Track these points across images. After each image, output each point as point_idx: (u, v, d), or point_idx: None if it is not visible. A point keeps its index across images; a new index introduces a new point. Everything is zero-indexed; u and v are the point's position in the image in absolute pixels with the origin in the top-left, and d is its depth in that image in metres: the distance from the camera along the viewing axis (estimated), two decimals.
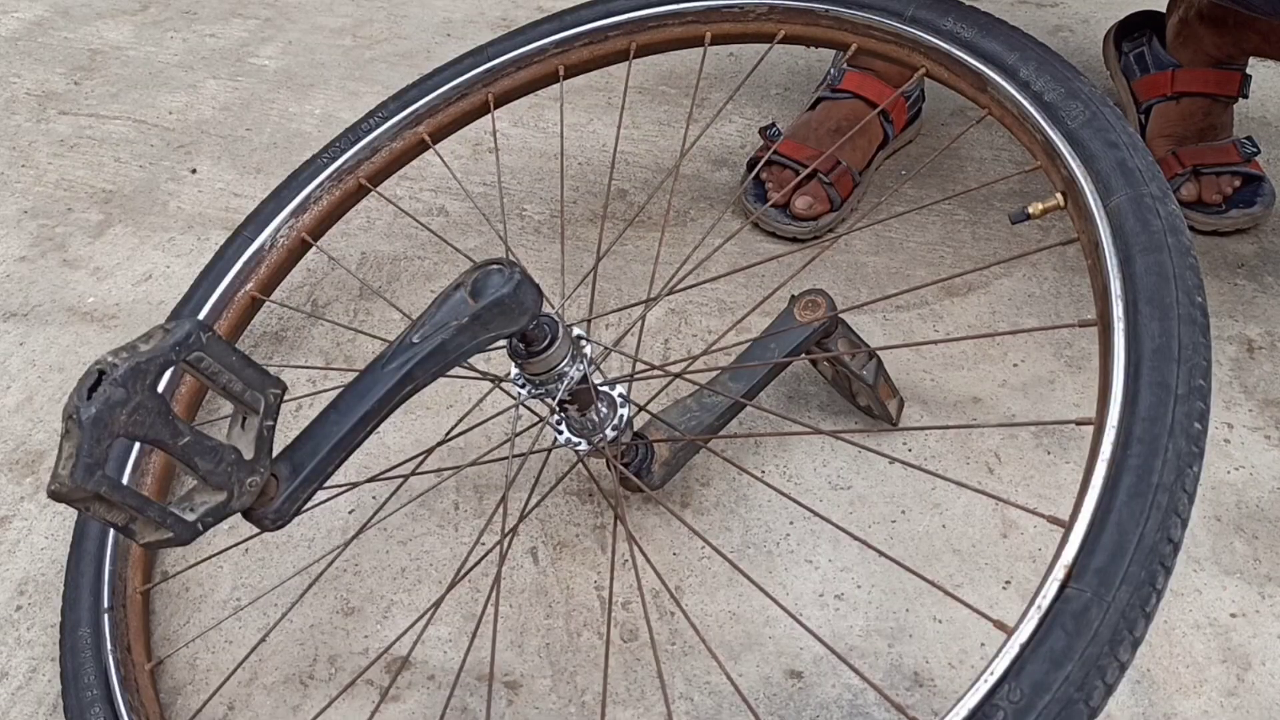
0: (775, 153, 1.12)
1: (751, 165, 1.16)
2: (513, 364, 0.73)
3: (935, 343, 0.89)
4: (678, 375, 0.80)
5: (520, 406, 0.79)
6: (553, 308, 0.77)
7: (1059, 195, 0.68)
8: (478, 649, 0.78)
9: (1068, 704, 0.50)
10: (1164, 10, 1.21)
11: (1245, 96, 1.13)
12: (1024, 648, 0.52)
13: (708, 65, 1.39)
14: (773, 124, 1.15)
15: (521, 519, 0.81)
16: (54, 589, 0.84)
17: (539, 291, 0.67)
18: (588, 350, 0.73)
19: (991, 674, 0.52)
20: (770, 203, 1.10)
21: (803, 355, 0.86)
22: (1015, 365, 0.99)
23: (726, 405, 0.83)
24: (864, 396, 0.89)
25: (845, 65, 1.17)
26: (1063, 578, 0.53)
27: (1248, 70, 1.13)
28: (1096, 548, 0.53)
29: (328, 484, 0.62)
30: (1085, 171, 0.67)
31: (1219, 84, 1.12)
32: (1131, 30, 1.24)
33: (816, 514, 0.70)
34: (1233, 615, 0.80)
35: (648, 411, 0.84)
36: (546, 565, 0.85)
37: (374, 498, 0.90)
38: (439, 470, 0.90)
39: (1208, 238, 1.11)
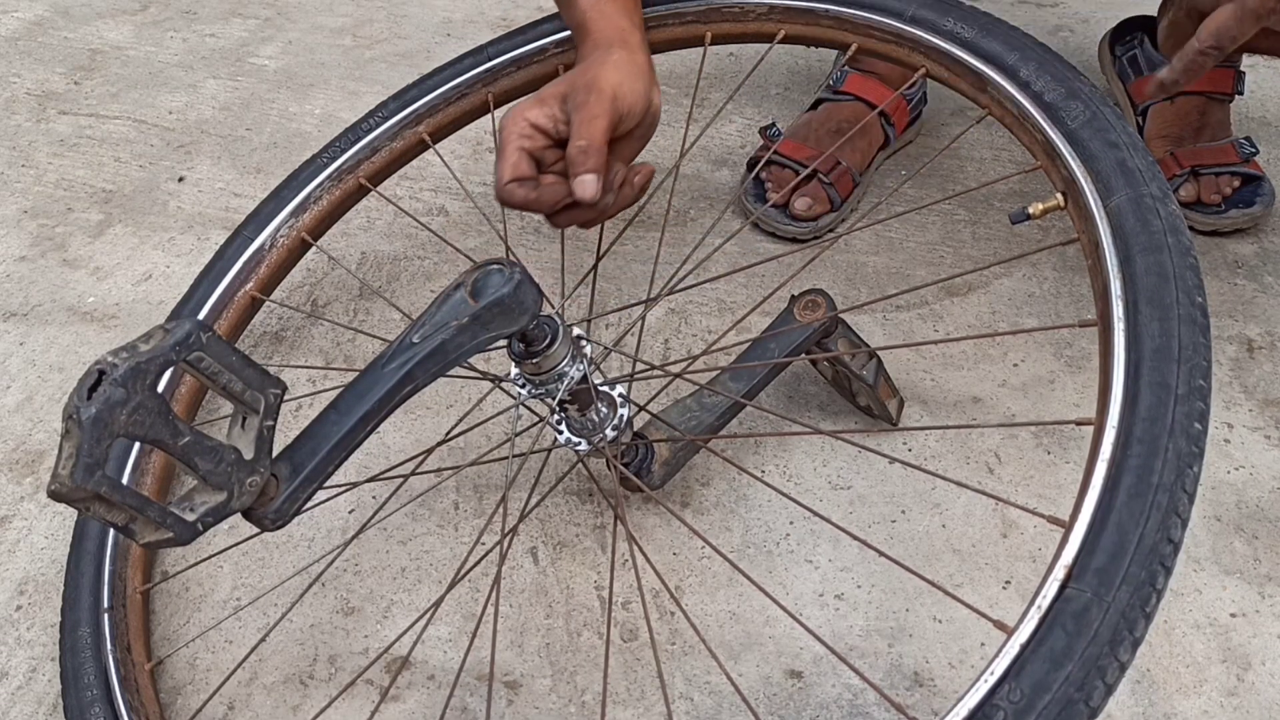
0: (775, 153, 1.12)
1: (751, 165, 1.16)
2: (513, 364, 0.73)
3: (935, 343, 0.88)
4: (678, 375, 0.80)
5: (520, 406, 0.79)
6: (553, 308, 0.77)
7: (1059, 195, 0.68)
8: (478, 649, 0.78)
9: (1068, 704, 0.50)
10: (1156, 14, 1.22)
11: (1241, 93, 1.14)
12: (1024, 648, 0.52)
13: (708, 65, 1.39)
14: (773, 124, 1.15)
15: (521, 519, 0.81)
16: (54, 589, 0.84)
17: (539, 291, 0.67)
18: (588, 350, 0.73)
19: (992, 674, 0.52)
20: (770, 203, 1.10)
21: (803, 355, 0.86)
22: (1015, 365, 0.99)
23: (726, 405, 0.83)
24: (864, 396, 0.89)
25: (848, 67, 1.17)
26: (1063, 578, 0.53)
27: (1242, 68, 1.14)
28: (1096, 548, 0.53)
29: (328, 484, 0.62)
30: (1085, 171, 0.67)
31: (1213, 82, 1.13)
32: (1125, 35, 1.25)
33: (816, 514, 0.70)
34: (1233, 615, 0.80)
35: (648, 411, 0.84)
36: (546, 565, 0.85)
37: (374, 497, 0.90)
38: (439, 470, 0.90)
39: (1207, 238, 1.11)
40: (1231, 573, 0.82)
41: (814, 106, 1.19)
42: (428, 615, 0.77)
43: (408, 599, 0.83)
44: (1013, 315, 1.04)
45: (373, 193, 0.99)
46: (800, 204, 1.09)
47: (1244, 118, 1.25)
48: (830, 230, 1.12)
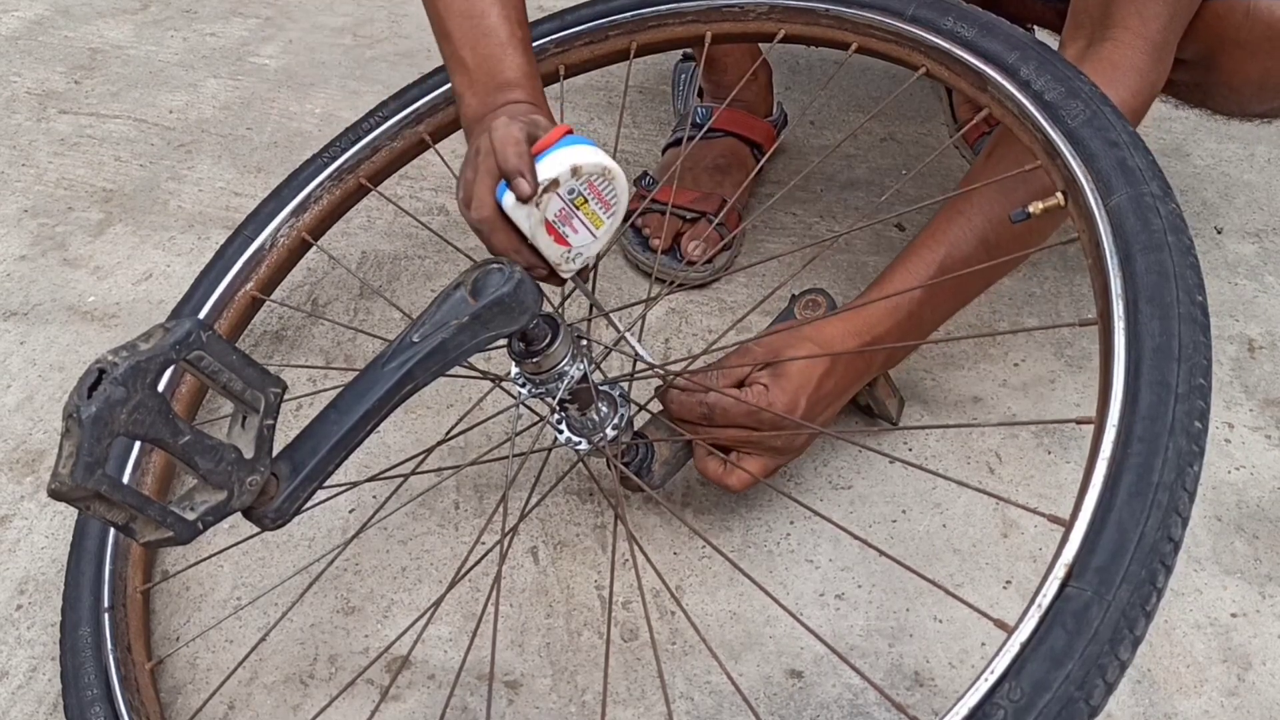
0: (665, 204, 1.07)
1: (628, 217, 1.11)
2: (513, 363, 0.73)
3: (935, 342, 0.88)
4: (677, 375, 0.80)
5: (520, 406, 0.79)
6: (552, 307, 0.77)
7: (1059, 194, 0.68)
8: (478, 648, 0.78)
9: (1068, 703, 0.50)
10: None
11: None
12: (1024, 646, 0.52)
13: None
14: (645, 173, 1.13)
15: (522, 518, 0.81)
16: (54, 588, 0.84)
17: (539, 290, 0.67)
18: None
19: (992, 673, 0.52)
20: (659, 249, 1.06)
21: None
22: (1016, 365, 0.99)
23: None
24: (864, 396, 0.89)
25: (712, 104, 1.16)
26: (1063, 576, 0.53)
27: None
28: (1097, 546, 0.53)
29: (328, 483, 0.62)
30: (1086, 170, 0.66)
31: None
32: None
33: (817, 513, 0.70)
34: (1233, 615, 0.80)
35: (648, 411, 0.84)
36: (547, 565, 0.85)
37: (374, 497, 0.90)
38: (439, 469, 0.90)
39: (1207, 240, 1.11)
40: (1232, 572, 0.82)
41: (675, 143, 1.16)
42: (428, 615, 0.77)
43: (408, 598, 0.83)
44: (1013, 314, 1.04)
45: (373, 192, 0.99)
46: (693, 247, 1.05)
47: None
48: (726, 269, 1.09)
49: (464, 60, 0.77)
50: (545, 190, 0.67)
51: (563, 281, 0.74)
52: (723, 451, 0.79)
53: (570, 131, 0.70)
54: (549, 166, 0.67)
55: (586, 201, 0.69)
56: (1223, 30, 0.85)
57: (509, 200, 0.68)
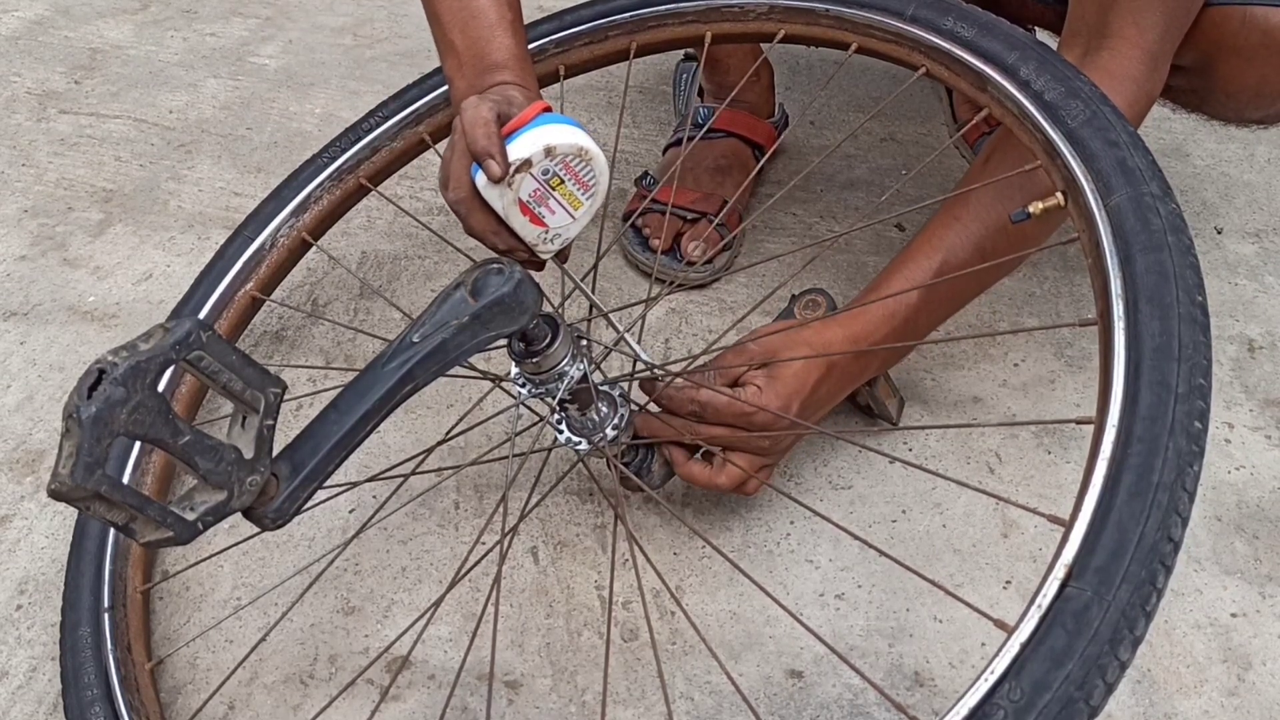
0: (664, 204, 1.07)
1: (628, 218, 1.12)
2: (513, 363, 0.73)
3: (935, 342, 0.88)
4: (677, 375, 0.80)
5: (520, 406, 0.79)
6: (553, 307, 0.77)
7: (1059, 195, 0.68)
8: (478, 648, 0.78)
9: (1068, 703, 0.50)
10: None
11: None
12: (1024, 647, 0.52)
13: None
14: (645, 173, 1.13)
15: (522, 518, 0.81)
16: (54, 588, 0.84)
17: (539, 290, 0.67)
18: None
19: (992, 673, 0.52)
20: (659, 250, 1.06)
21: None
22: (1016, 365, 0.99)
23: None
24: (864, 396, 0.89)
25: (713, 104, 1.16)
26: (1063, 577, 0.53)
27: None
28: (1097, 547, 0.53)
29: (328, 483, 0.62)
30: (1085, 171, 0.66)
31: None
32: None
33: (817, 514, 0.70)
34: (1233, 615, 0.80)
35: (648, 411, 0.84)
36: (547, 565, 0.85)
37: (374, 497, 0.90)
38: (439, 470, 0.90)
39: (1207, 240, 1.11)
40: (1232, 573, 0.82)
41: (676, 143, 1.16)
42: (428, 615, 0.77)
43: (408, 598, 0.83)
44: (1013, 315, 1.04)
45: (373, 192, 0.99)
46: (693, 248, 1.05)
47: None
48: (726, 269, 1.09)
49: (453, 43, 0.78)
50: (517, 171, 0.66)
51: (544, 264, 0.73)
52: (705, 454, 0.79)
53: (548, 109, 0.69)
54: (521, 146, 0.67)
55: (563, 182, 0.68)
56: (1220, 37, 0.85)
57: (481, 180, 0.67)
